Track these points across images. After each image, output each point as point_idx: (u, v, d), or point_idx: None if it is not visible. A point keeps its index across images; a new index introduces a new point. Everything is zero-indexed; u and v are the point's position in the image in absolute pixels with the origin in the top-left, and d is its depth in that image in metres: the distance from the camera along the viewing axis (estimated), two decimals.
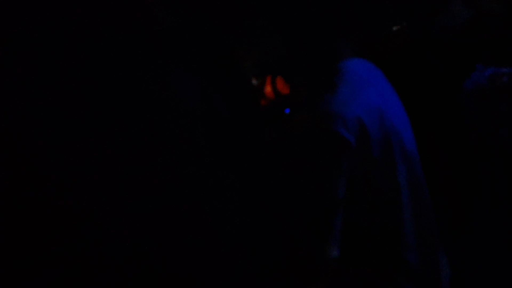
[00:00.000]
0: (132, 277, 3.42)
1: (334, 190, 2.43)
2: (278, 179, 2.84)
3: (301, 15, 2.42)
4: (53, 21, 3.87)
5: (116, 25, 3.86)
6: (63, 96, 3.82)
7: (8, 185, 3.64)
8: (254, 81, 2.47)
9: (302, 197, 2.49)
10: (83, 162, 3.69)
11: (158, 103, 3.79)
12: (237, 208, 2.99)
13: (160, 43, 3.69)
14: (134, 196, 3.70)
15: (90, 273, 3.47)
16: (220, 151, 3.08)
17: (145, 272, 3.43)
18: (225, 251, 3.47)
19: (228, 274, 3.41)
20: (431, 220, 2.66)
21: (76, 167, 3.70)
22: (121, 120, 3.83)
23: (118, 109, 3.83)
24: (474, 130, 3.27)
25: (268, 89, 2.53)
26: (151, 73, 3.88)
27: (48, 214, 3.63)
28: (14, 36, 3.83)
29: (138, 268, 3.44)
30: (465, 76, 3.36)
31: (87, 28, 3.86)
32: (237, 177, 2.95)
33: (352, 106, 2.43)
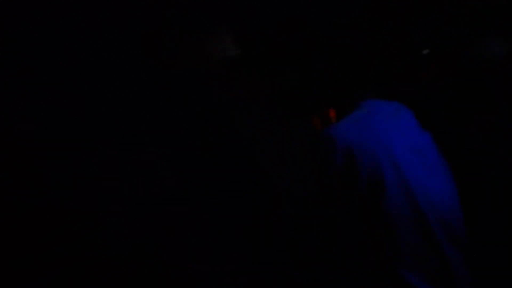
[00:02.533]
0: (132, 278, 3.42)
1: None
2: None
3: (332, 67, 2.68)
4: (53, 21, 3.88)
5: (119, 26, 3.87)
6: (63, 97, 3.83)
7: (8, 185, 3.65)
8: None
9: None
10: (83, 162, 3.69)
11: (158, 104, 3.80)
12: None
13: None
14: (134, 196, 3.70)
15: (90, 274, 3.48)
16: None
17: (145, 272, 3.43)
18: (225, 252, 3.48)
19: (228, 274, 3.41)
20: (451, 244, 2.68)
21: (76, 167, 3.70)
22: (121, 121, 3.84)
23: (119, 110, 3.84)
24: None
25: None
26: (155, 77, 3.89)
27: (47, 214, 3.63)
28: (14, 36, 3.83)
29: (138, 268, 3.45)
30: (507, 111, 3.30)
31: (87, 28, 3.87)
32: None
33: (348, 135, 2.52)
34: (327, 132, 2.60)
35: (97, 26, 3.75)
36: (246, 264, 3.41)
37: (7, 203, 3.63)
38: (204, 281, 3.46)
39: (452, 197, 2.71)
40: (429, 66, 3.40)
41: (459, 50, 3.37)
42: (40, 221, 3.61)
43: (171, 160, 3.77)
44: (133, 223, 3.58)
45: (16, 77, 3.84)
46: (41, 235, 3.55)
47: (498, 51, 3.32)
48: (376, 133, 2.61)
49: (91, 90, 3.81)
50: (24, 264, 3.47)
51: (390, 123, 2.66)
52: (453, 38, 3.35)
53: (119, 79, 3.72)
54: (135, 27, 3.58)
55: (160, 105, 3.78)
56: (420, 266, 2.69)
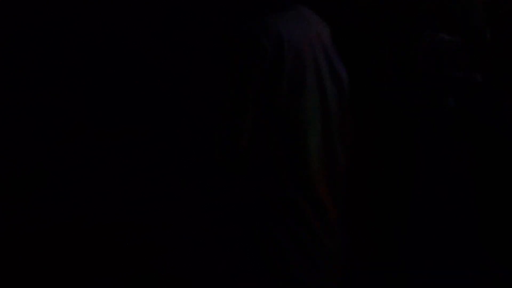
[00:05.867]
0: (132, 277, 3.44)
1: (246, 90, 2.71)
2: None
3: None
4: (53, 21, 3.90)
5: (116, 25, 3.89)
6: (63, 96, 3.85)
7: (8, 184, 3.67)
8: None
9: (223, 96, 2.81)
10: (82, 161, 3.71)
11: (154, 103, 3.82)
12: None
13: None
14: (134, 194, 3.72)
15: (90, 273, 3.50)
16: None
17: (145, 272, 3.45)
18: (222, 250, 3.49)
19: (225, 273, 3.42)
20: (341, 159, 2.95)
21: (76, 166, 3.72)
22: (121, 120, 3.86)
23: (118, 109, 3.85)
24: (422, 91, 3.47)
25: None
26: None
27: (47, 213, 3.65)
28: (14, 36, 3.85)
29: (138, 268, 3.47)
30: (415, 41, 3.57)
31: (87, 28, 3.88)
32: None
33: (277, 24, 2.83)
34: (249, 26, 2.78)
35: None
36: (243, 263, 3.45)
37: (7, 202, 3.65)
38: (203, 280, 3.48)
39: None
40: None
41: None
42: (39, 220, 3.63)
43: (169, 160, 3.76)
44: (133, 222, 3.60)
45: (16, 77, 3.86)
46: (40, 233, 3.57)
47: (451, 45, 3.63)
48: (304, 33, 2.89)
49: (91, 90, 3.81)
50: (24, 263, 3.49)
51: (315, 29, 3.02)
52: None
53: None
54: None
55: None
56: (320, 166, 2.85)
